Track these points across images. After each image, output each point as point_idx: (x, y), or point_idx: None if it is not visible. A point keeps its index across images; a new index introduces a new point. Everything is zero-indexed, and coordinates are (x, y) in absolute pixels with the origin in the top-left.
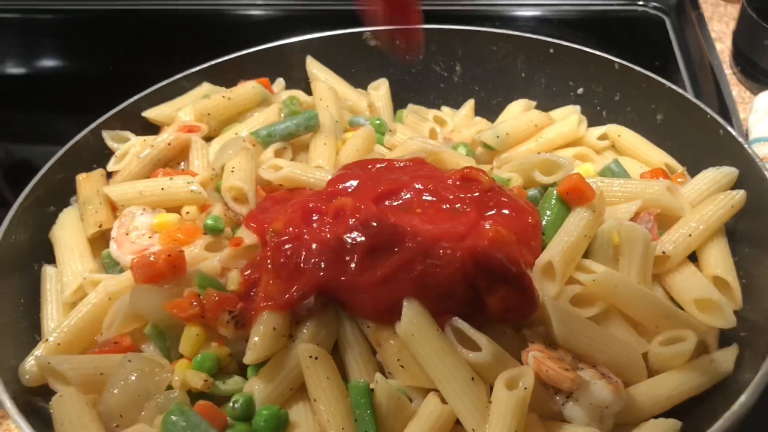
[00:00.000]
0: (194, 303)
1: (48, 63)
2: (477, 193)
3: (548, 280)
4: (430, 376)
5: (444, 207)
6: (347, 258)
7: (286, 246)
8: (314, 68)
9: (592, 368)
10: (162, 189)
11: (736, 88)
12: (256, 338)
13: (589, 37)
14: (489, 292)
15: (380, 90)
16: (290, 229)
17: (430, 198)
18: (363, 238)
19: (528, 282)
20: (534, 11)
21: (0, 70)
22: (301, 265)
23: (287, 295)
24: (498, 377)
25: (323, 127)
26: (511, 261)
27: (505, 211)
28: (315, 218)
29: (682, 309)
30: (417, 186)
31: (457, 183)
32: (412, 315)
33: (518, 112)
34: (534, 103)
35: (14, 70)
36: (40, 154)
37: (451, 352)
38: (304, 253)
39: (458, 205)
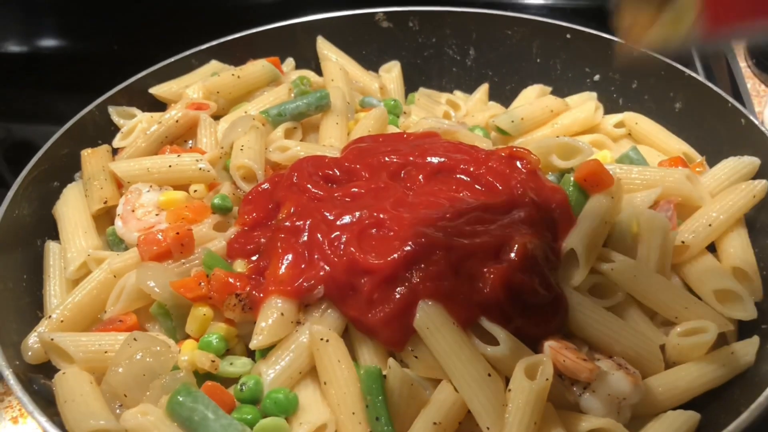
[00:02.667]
0: (202, 283)
1: (50, 41)
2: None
3: (571, 268)
4: (444, 370)
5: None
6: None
7: (298, 231)
8: (325, 49)
9: (609, 359)
10: (170, 166)
11: (751, 81)
12: (264, 324)
13: (601, 28)
14: (521, 315)
15: (392, 72)
16: (300, 211)
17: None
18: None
19: (564, 304)
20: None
21: (1, 49)
22: (315, 255)
23: (297, 284)
24: (517, 365)
25: (334, 107)
26: (544, 284)
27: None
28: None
29: (700, 300)
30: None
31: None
32: (428, 309)
33: (533, 98)
34: (549, 89)
35: (16, 48)
36: (41, 133)
37: (468, 346)
38: (318, 237)
39: (500, 186)
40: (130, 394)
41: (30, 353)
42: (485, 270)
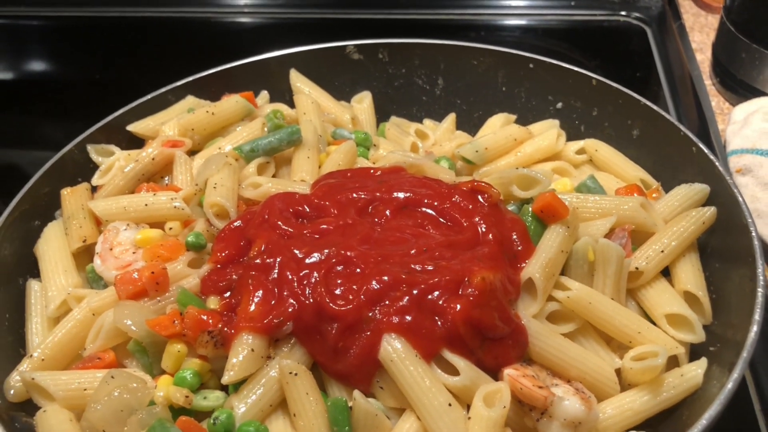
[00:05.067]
0: (175, 321)
1: (35, 69)
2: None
3: (529, 297)
4: (408, 400)
5: (446, 223)
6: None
7: (268, 268)
8: (298, 81)
9: (567, 384)
10: (146, 205)
11: (715, 99)
12: (235, 360)
13: (572, 47)
14: (481, 348)
15: (363, 103)
16: (271, 248)
17: (432, 213)
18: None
19: (523, 336)
20: (519, 21)
21: None
22: (284, 292)
23: (266, 320)
24: (476, 394)
25: (306, 141)
26: (503, 318)
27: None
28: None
29: (655, 324)
30: (419, 198)
31: (461, 200)
32: (392, 342)
33: (498, 126)
34: (514, 117)
35: (1, 74)
36: (26, 159)
37: (430, 377)
38: (287, 275)
39: (465, 221)
40: (108, 429)
41: (12, 392)
42: (446, 305)
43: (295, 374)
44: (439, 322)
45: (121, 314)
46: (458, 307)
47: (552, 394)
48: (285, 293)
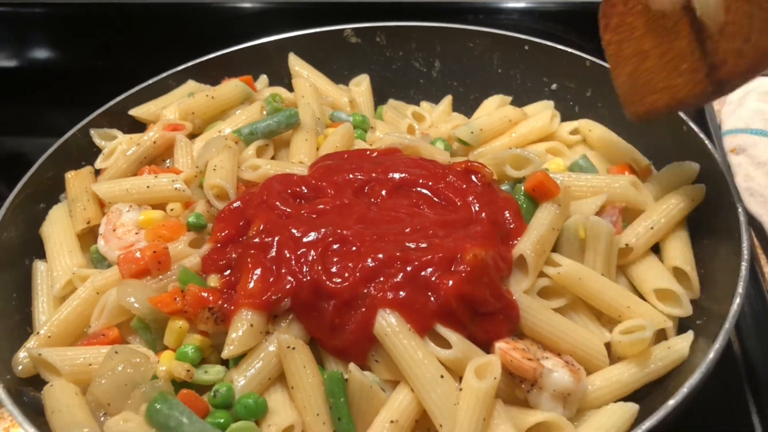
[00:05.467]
0: (177, 299)
1: (37, 56)
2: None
3: (521, 273)
4: (402, 373)
5: (440, 203)
6: (328, 271)
7: (267, 247)
8: (296, 65)
9: (557, 357)
10: (147, 187)
11: None
12: (234, 335)
13: (569, 30)
14: (473, 322)
15: (361, 86)
16: (269, 228)
17: (427, 193)
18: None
19: (514, 311)
20: (516, 3)
21: None
22: (282, 270)
23: (265, 297)
24: (468, 366)
25: (304, 124)
26: (494, 294)
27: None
28: (291, 212)
29: (644, 299)
30: (414, 178)
31: (455, 179)
32: (386, 317)
33: (494, 108)
34: (509, 99)
35: (4, 62)
36: (31, 146)
37: (423, 350)
38: (285, 253)
39: (458, 201)
40: (113, 403)
41: (20, 367)
42: (438, 281)
43: (293, 348)
44: (432, 298)
45: (124, 292)
46: (450, 282)
47: (541, 366)
48: (283, 271)
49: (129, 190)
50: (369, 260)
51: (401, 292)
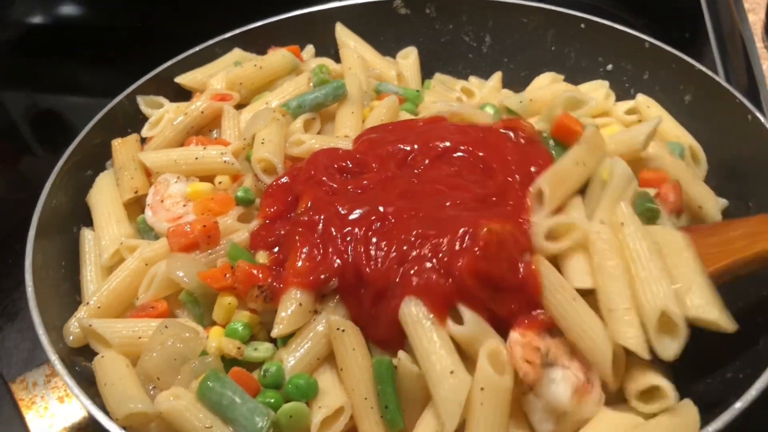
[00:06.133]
0: (227, 275)
1: (74, 13)
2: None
3: (538, 206)
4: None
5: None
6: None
7: (314, 225)
8: (343, 36)
9: (579, 371)
10: (196, 158)
11: (767, 62)
12: (283, 314)
13: (617, 4)
14: (493, 300)
15: (409, 59)
16: (316, 205)
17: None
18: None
19: (534, 285)
20: None
21: (26, 20)
22: (329, 249)
23: (313, 276)
24: (480, 352)
25: (350, 97)
26: (513, 269)
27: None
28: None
29: None
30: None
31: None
32: (409, 303)
33: (545, 85)
34: (562, 77)
35: (40, 19)
36: (65, 104)
37: (439, 341)
38: (332, 231)
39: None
40: (162, 377)
41: (71, 337)
42: (453, 259)
43: (343, 330)
44: (449, 278)
45: (174, 266)
46: (463, 261)
47: (536, 373)
48: (330, 250)
49: (177, 161)
50: (401, 243)
51: (423, 276)
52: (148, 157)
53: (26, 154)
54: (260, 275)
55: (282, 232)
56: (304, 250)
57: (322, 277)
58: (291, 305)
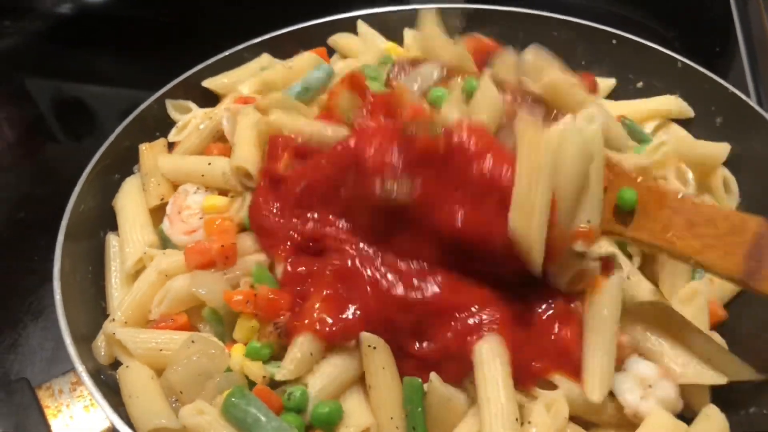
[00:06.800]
0: (248, 302)
1: (99, 3)
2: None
3: None
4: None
5: None
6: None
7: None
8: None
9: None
10: (203, 175)
11: None
12: (291, 359)
13: (648, 15)
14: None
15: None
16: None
17: None
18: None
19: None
20: None
21: (51, 8)
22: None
23: (330, 330)
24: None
25: None
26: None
27: None
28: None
29: None
30: None
31: None
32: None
33: None
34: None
35: (65, 8)
36: (88, 92)
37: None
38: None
39: None
40: (186, 391)
41: (102, 353)
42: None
43: (374, 348)
44: None
45: (197, 283)
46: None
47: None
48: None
49: (189, 173)
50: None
51: None
52: (165, 165)
53: (51, 143)
54: (282, 302)
55: (315, 268)
56: (325, 296)
57: (340, 334)
58: (300, 352)
